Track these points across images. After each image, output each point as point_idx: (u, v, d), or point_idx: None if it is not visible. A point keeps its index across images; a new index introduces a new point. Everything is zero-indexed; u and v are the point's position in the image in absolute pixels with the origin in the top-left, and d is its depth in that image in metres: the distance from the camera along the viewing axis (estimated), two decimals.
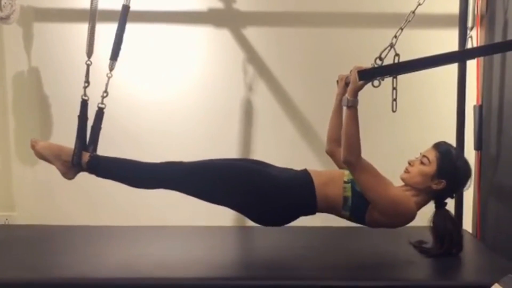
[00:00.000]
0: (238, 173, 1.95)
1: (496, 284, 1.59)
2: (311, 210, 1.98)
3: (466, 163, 1.99)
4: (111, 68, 2.04)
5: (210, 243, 2.21)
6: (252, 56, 2.82)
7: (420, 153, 1.97)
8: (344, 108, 1.86)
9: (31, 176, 2.85)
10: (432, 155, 1.93)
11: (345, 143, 1.84)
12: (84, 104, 2.01)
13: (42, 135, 2.84)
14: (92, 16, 2.02)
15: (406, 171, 1.96)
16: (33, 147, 2.00)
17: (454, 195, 2.00)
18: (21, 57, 2.82)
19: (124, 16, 2.05)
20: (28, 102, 2.86)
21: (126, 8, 2.05)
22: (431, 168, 1.91)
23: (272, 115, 2.85)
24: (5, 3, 2.49)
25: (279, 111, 2.85)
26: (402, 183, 1.97)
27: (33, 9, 2.80)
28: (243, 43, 2.82)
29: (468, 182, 1.99)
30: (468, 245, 2.30)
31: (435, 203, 1.99)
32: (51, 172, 2.05)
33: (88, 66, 2.00)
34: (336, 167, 2.17)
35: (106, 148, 2.63)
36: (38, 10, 2.81)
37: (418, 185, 1.92)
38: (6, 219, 2.85)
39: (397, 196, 1.89)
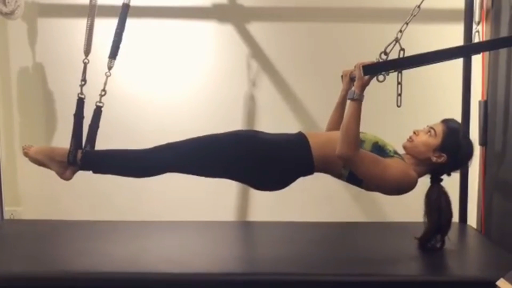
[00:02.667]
0: (232, 142, 1.93)
1: (502, 279, 1.59)
2: (308, 170, 1.95)
3: (470, 144, 1.98)
4: (110, 67, 2.01)
5: (211, 238, 2.22)
6: (256, 52, 2.82)
7: (427, 126, 1.96)
8: (348, 101, 1.85)
9: (36, 171, 2.83)
10: (440, 129, 1.92)
11: (344, 137, 1.80)
12: (81, 102, 1.98)
13: (47, 131, 2.85)
14: (91, 13, 1.99)
15: (410, 139, 1.95)
16: (26, 154, 1.98)
17: (451, 173, 1.98)
18: (26, 53, 2.82)
19: (124, 14, 2.02)
20: (32, 97, 2.86)
21: (126, 6, 2.02)
22: (435, 141, 1.90)
23: (276, 111, 2.85)
24: None
25: (283, 106, 2.85)
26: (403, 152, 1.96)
27: (37, 4, 2.80)
28: (247, 38, 2.82)
29: (468, 163, 1.98)
30: (473, 240, 2.30)
31: (431, 177, 1.99)
32: None
33: (85, 64, 1.98)
34: None
35: (109, 144, 2.63)
36: (43, 5, 2.81)
37: (419, 155, 1.92)
38: (11, 214, 2.86)
39: (398, 173, 1.85)
